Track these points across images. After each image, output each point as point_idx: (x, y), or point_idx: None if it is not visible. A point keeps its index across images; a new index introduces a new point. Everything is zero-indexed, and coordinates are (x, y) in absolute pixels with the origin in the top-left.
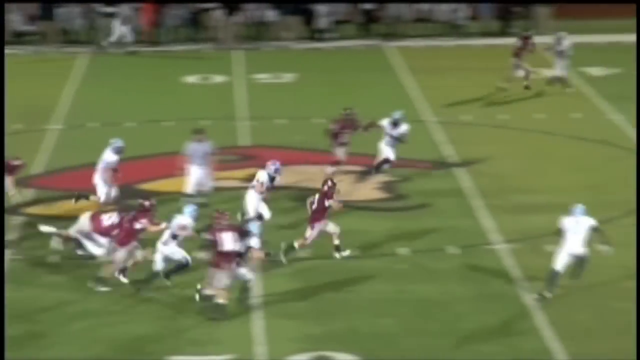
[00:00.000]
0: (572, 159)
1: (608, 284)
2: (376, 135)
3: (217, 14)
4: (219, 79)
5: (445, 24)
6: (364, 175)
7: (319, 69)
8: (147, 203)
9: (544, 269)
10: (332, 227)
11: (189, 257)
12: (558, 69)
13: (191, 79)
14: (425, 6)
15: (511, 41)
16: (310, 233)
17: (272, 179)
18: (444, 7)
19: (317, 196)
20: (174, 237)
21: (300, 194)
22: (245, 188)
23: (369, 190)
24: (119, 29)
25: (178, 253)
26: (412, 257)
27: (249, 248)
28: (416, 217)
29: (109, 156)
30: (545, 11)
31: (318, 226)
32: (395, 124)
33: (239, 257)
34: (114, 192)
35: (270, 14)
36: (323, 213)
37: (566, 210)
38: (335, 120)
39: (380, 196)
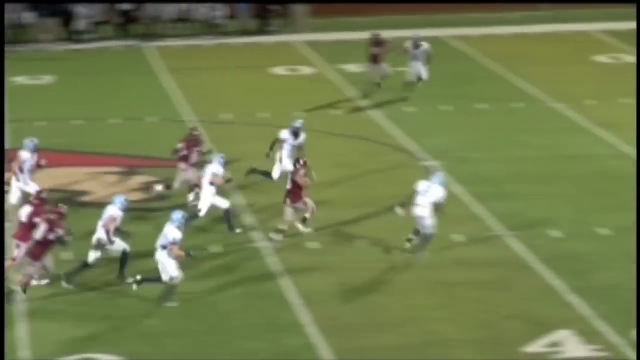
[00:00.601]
0: (333, 155)
1: (370, 279)
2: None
3: None
4: None
5: (203, 23)
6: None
7: (78, 70)
8: (63, 209)
9: (306, 265)
10: (310, 203)
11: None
12: (423, 71)
13: None
14: (183, 6)
15: (269, 39)
16: (289, 214)
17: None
18: (202, 6)
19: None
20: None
21: (62, 197)
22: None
23: (129, 191)
24: None
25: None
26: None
27: (173, 244)
28: None
29: (24, 155)
30: (302, 9)
31: (298, 206)
32: (296, 133)
33: (48, 247)
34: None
35: (28, 16)
36: (299, 192)
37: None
38: (182, 141)
39: (140, 197)
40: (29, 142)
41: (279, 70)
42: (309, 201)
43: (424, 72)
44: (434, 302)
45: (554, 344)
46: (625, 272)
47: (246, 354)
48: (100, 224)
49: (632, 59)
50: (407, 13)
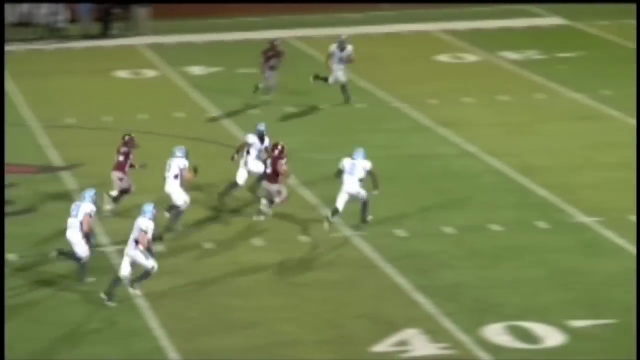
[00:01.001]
0: None
1: (217, 281)
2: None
3: None
4: None
5: (45, 28)
6: None
7: None
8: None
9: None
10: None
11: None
12: (342, 76)
13: None
14: (24, 10)
15: (112, 43)
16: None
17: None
18: (43, 10)
19: (268, 161)
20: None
21: None
22: None
23: None
24: None
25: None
26: (19, 261)
27: (143, 231)
28: (24, 222)
29: None
30: (144, 12)
31: (273, 188)
32: (261, 137)
33: None
34: None
35: None
36: (276, 178)
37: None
38: (120, 149)
39: None
40: None
41: (122, 73)
42: (284, 189)
43: (342, 75)
44: (282, 304)
45: (402, 343)
46: (469, 270)
47: (95, 357)
48: (72, 221)
49: (474, 57)
50: (249, 15)
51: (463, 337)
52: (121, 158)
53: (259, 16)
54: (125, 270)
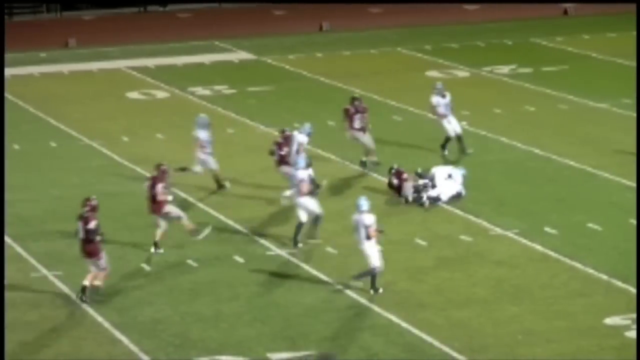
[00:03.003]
0: None
1: None
2: None
3: None
4: None
5: None
6: None
7: None
8: (94, 202)
9: None
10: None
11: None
12: (456, 124)
13: None
14: None
15: None
16: None
17: None
18: None
19: None
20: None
21: None
22: None
23: None
24: None
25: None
26: None
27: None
28: None
29: None
30: None
31: None
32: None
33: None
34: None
35: None
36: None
37: None
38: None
39: None
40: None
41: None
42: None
43: (457, 124)
44: None
45: None
46: (168, 305)
47: None
48: (293, 191)
49: (164, 94)
50: None
51: None
52: (282, 153)
53: None
54: (377, 261)
